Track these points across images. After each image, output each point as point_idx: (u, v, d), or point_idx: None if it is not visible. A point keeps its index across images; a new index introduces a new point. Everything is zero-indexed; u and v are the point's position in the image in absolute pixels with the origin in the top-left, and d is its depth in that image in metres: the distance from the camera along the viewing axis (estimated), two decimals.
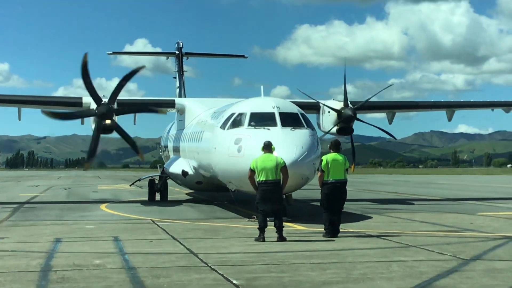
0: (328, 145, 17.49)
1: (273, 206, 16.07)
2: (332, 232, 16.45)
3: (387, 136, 31.36)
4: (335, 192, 16.65)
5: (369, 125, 29.48)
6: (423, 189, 44.22)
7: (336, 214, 16.66)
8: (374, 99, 29.04)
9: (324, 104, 29.26)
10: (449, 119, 33.90)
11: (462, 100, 35.60)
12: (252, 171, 16.39)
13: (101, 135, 26.02)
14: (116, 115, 26.21)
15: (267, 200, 16.09)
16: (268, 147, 16.70)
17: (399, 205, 28.12)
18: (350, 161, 20.22)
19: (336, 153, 16.92)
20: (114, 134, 26.78)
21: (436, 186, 50.78)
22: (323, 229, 16.66)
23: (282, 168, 16.35)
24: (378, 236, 16.58)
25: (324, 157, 16.93)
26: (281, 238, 15.73)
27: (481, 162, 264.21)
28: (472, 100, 35.88)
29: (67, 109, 29.26)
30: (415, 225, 19.57)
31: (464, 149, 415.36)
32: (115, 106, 25.98)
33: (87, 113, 26.70)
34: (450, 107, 34.04)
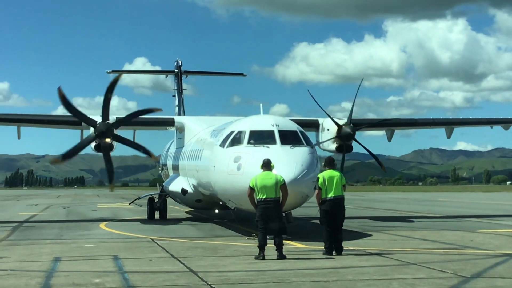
0: (323, 163, 17.52)
1: (273, 224, 16.05)
2: (336, 249, 16.48)
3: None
4: (333, 209, 16.66)
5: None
6: (423, 207, 44.15)
7: (337, 231, 16.66)
8: (373, 116, 29.09)
9: (323, 122, 29.35)
10: (448, 136, 33.94)
11: (461, 118, 35.41)
12: (252, 189, 16.38)
13: (95, 153, 26.33)
14: (113, 139, 26.21)
15: (266, 218, 16.07)
16: (267, 165, 16.70)
17: (399, 223, 28.07)
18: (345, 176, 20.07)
19: (331, 170, 16.98)
20: (113, 152, 26.76)
21: (436, 203, 50.68)
22: (323, 247, 16.64)
23: (281, 186, 16.35)
24: (378, 254, 16.54)
25: (320, 175, 16.95)
26: (281, 256, 15.69)
27: (480, 179, 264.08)
28: (471, 117, 35.64)
29: (66, 127, 29.39)
30: (415, 243, 19.53)
31: (463, 166, 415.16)
32: (116, 131, 26.12)
33: (88, 120, 26.43)
34: (449, 124, 34.10)
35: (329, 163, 17.17)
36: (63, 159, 25.92)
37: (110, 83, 25.11)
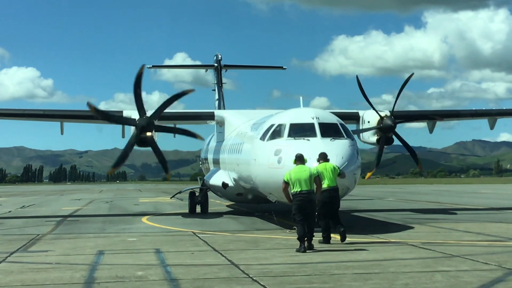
0: (317, 158, 17.88)
1: (309, 216, 16.26)
2: (342, 239, 16.97)
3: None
4: (329, 199, 17.27)
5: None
6: (466, 199, 43.62)
7: (336, 220, 17.30)
8: (414, 108, 28.74)
9: (364, 114, 29.16)
10: (491, 127, 33.38)
11: (504, 108, 34.73)
12: (286, 183, 16.61)
13: (137, 148, 26.39)
14: (155, 131, 26.38)
15: (303, 211, 16.19)
16: (300, 159, 17.00)
17: (441, 215, 27.79)
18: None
19: (325, 163, 17.64)
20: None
21: (479, 195, 50.04)
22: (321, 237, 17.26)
23: (315, 178, 16.58)
24: (420, 246, 16.40)
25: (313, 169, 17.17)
26: (310, 247, 15.95)
27: None
28: None
29: (107, 123, 29.55)
30: (458, 235, 19.33)
31: (507, 158, 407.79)
32: (157, 122, 26.13)
33: (128, 121, 26.90)
34: (492, 115, 33.50)
35: (323, 157, 17.83)
36: (115, 167, 27.06)
37: (135, 78, 25.20)
